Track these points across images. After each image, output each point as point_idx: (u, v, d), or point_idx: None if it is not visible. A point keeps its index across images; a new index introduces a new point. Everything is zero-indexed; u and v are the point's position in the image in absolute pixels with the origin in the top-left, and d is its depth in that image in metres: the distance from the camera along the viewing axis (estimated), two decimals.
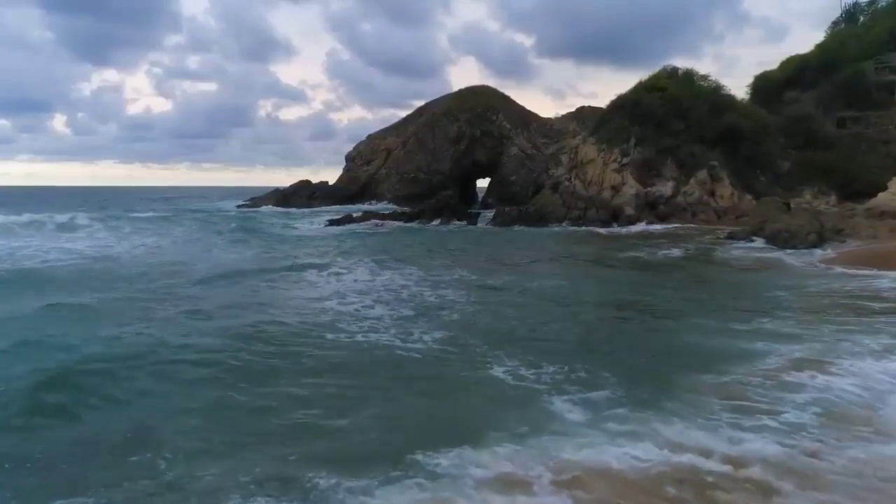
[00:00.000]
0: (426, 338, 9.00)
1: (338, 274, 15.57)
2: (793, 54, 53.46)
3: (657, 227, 29.47)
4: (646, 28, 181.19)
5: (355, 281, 14.29)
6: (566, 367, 7.38)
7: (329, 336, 9.09)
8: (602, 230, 29.41)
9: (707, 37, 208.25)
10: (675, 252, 19.05)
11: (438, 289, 13.18)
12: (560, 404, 6.26)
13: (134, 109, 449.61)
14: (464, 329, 9.62)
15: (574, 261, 18.68)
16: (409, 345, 8.67)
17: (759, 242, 21.01)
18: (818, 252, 18.14)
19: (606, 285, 13.97)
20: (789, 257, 17.33)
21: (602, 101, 64.38)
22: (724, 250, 19.56)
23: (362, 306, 11.31)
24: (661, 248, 19.34)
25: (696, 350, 8.08)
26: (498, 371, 7.40)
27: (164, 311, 10.44)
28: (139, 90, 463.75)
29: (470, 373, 7.45)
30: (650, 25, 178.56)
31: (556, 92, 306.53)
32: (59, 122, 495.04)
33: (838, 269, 14.21)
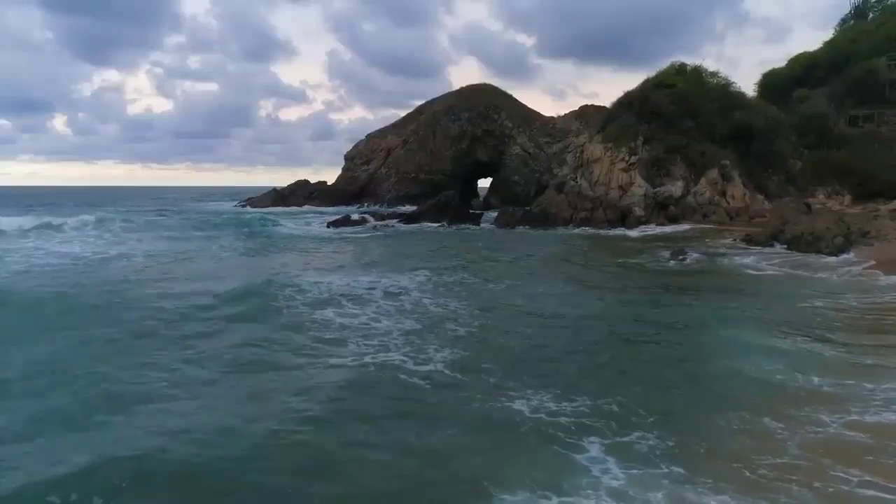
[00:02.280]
0: (437, 357, 7.98)
1: (338, 280, 14.48)
2: (795, 54, 52.63)
3: (668, 228, 28.34)
4: (647, 28, 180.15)
5: (356, 288, 13.17)
6: (591, 399, 6.32)
7: (332, 361, 7.90)
8: (611, 232, 28.29)
9: (708, 37, 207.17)
10: (693, 257, 17.91)
11: (445, 298, 12.12)
12: (592, 451, 5.17)
13: (135, 109, 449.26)
14: (475, 348, 8.56)
15: (586, 267, 17.56)
16: (419, 367, 7.59)
17: (779, 247, 19.87)
18: (846, 257, 16.99)
19: (623, 295, 12.78)
20: (817, 263, 16.19)
21: (603, 102, 63.35)
22: (744, 255, 18.42)
23: (368, 319, 10.28)
24: (677, 252, 18.16)
25: (746, 382, 6.88)
26: (514, 403, 6.34)
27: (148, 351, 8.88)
28: (140, 90, 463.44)
29: (482, 404, 6.36)
30: (651, 26, 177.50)
31: (557, 92, 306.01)
32: (59, 123, 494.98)
33: (885, 280, 12.95)
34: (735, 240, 22.38)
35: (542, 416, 5.96)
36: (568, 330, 9.60)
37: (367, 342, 8.79)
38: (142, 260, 17.94)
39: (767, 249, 19.80)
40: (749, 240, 21.57)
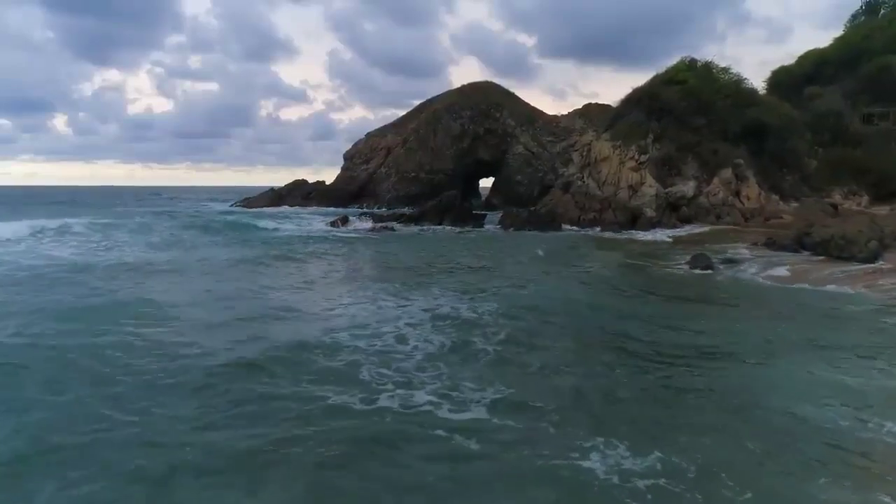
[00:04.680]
0: (476, 396, 6.52)
1: (341, 289, 13.15)
2: (797, 53, 51.79)
3: (682, 231, 27.05)
4: (647, 28, 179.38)
5: (363, 300, 11.76)
6: (664, 452, 5.07)
7: (333, 399, 6.41)
8: (624, 235, 26.94)
9: (709, 37, 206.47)
10: (719, 266, 16.59)
11: (466, 311, 10.64)
12: None
13: (135, 109, 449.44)
14: (517, 379, 7.17)
15: (606, 275, 16.12)
16: (456, 413, 6.12)
17: (805, 253, 18.55)
18: (882, 264, 15.71)
19: (654, 310, 11.20)
20: (854, 271, 14.89)
21: (603, 101, 61.96)
22: (771, 262, 17.13)
23: (385, 338, 8.87)
24: (700, 259, 16.79)
25: (828, 433, 5.59)
26: (581, 459, 5.04)
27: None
28: (140, 90, 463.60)
29: (538, 459, 5.05)
30: (651, 26, 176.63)
31: (557, 92, 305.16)
32: (60, 122, 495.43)
33: None
34: (756, 243, 21.09)
35: (617, 473, 4.72)
36: (608, 352, 8.27)
37: (382, 372, 7.35)
38: (117, 271, 16.23)
39: (793, 254, 18.52)
40: (772, 244, 20.27)
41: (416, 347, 8.53)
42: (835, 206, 24.09)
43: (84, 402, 6.35)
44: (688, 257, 17.62)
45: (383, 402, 6.45)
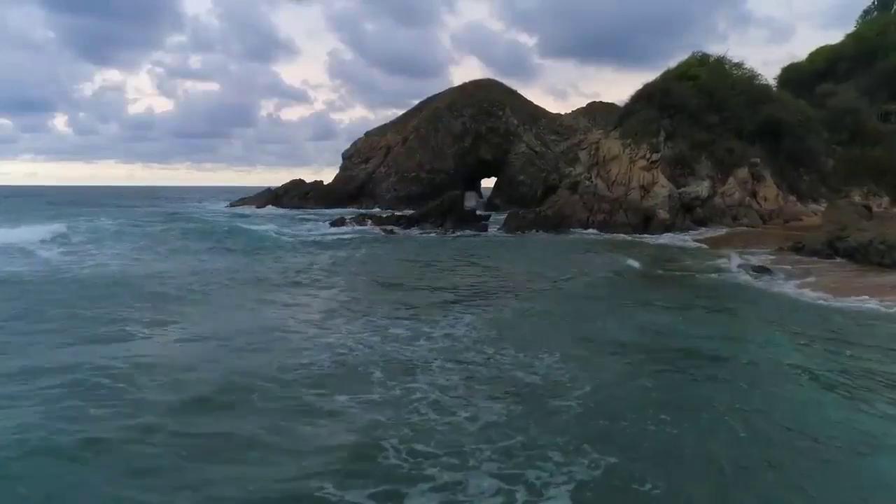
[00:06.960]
0: (557, 478, 4.60)
1: (342, 315, 10.76)
2: (799, 52, 50.93)
3: (699, 234, 25.60)
4: (648, 28, 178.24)
5: (370, 330, 9.43)
6: None
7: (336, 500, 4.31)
8: (644, 239, 25.28)
9: (710, 37, 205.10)
10: (748, 274, 15.14)
11: (511, 349, 8.27)
12: None
13: (135, 109, 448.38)
14: (606, 445, 5.21)
15: (634, 285, 14.53)
16: None
17: (838, 258, 17.13)
18: None
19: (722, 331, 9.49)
20: None
21: (605, 101, 60.78)
22: (810, 270, 15.70)
23: (411, 394, 6.50)
24: (729, 266, 15.34)
25: None
26: None
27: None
28: (141, 90, 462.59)
29: None
30: (652, 25, 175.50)
31: (558, 92, 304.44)
32: (60, 122, 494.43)
33: None
34: (783, 248, 19.67)
35: None
36: (697, 411, 6.18)
37: (415, 449, 5.11)
38: (89, 288, 14.64)
39: (826, 261, 17.07)
40: (800, 248, 18.85)
41: (452, 406, 6.14)
42: (868, 208, 22.60)
43: None
44: (716, 262, 16.15)
45: (415, 498, 4.36)
